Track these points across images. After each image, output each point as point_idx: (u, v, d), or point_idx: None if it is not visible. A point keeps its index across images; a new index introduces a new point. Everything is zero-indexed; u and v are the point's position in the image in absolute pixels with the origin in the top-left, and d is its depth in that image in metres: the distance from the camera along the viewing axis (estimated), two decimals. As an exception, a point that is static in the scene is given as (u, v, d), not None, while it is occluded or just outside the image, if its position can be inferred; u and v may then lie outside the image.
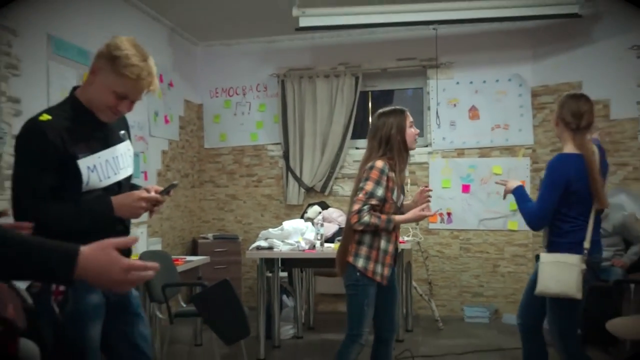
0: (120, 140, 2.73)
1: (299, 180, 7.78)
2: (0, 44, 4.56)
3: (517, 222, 7.22)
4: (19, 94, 4.69)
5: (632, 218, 5.74)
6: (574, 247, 3.65)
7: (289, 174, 7.83)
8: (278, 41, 7.92)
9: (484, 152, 7.40)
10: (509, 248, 7.35)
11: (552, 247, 3.74)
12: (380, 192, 3.75)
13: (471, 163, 7.42)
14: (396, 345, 5.81)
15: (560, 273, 3.60)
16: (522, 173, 7.12)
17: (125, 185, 2.73)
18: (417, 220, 4.00)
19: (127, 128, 2.86)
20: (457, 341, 6.19)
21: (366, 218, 3.71)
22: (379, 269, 3.84)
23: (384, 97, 8.14)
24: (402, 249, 5.85)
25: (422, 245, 7.34)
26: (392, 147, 3.88)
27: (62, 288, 2.37)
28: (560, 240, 3.69)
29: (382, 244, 3.85)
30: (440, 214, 7.47)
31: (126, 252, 2.34)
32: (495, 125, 7.35)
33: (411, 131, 3.92)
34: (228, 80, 8.14)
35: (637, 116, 6.40)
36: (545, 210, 3.67)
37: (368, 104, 8.01)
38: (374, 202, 3.74)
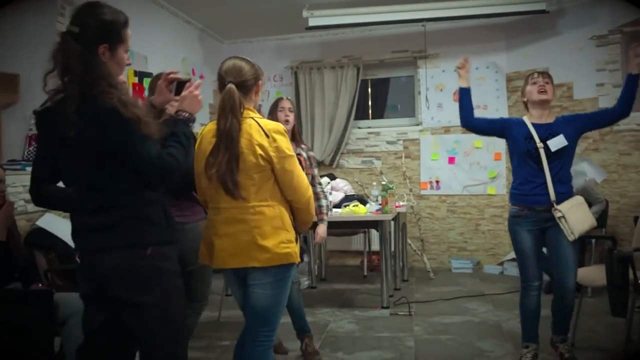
0: None
1: (311, 155, 7.72)
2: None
3: (495, 188, 7.20)
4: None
5: (591, 183, 5.67)
6: (572, 191, 3.65)
7: (303, 151, 7.77)
8: (291, 38, 7.83)
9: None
10: (488, 209, 7.30)
11: (561, 198, 3.57)
12: None
13: (456, 139, 7.34)
14: (394, 292, 5.85)
15: (581, 212, 3.54)
16: (499, 146, 7.05)
17: None
18: None
19: None
20: (446, 288, 6.18)
21: None
22: None
23: (381, 84, 8.06)
24: (399, 212, 5.84)
25: (415, 209, 7.33)
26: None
27: None
28: (567, 190, 3.61)
29: None
30: (430, 182, 7.45)
31: None
32: (476, 106, 6.90)
33: (279, 115, 4.09)
34: (249, 72, 8.05)
35: (596, 96, 6.32)
36: None
37: (368, 90, 7.93)
38: None
